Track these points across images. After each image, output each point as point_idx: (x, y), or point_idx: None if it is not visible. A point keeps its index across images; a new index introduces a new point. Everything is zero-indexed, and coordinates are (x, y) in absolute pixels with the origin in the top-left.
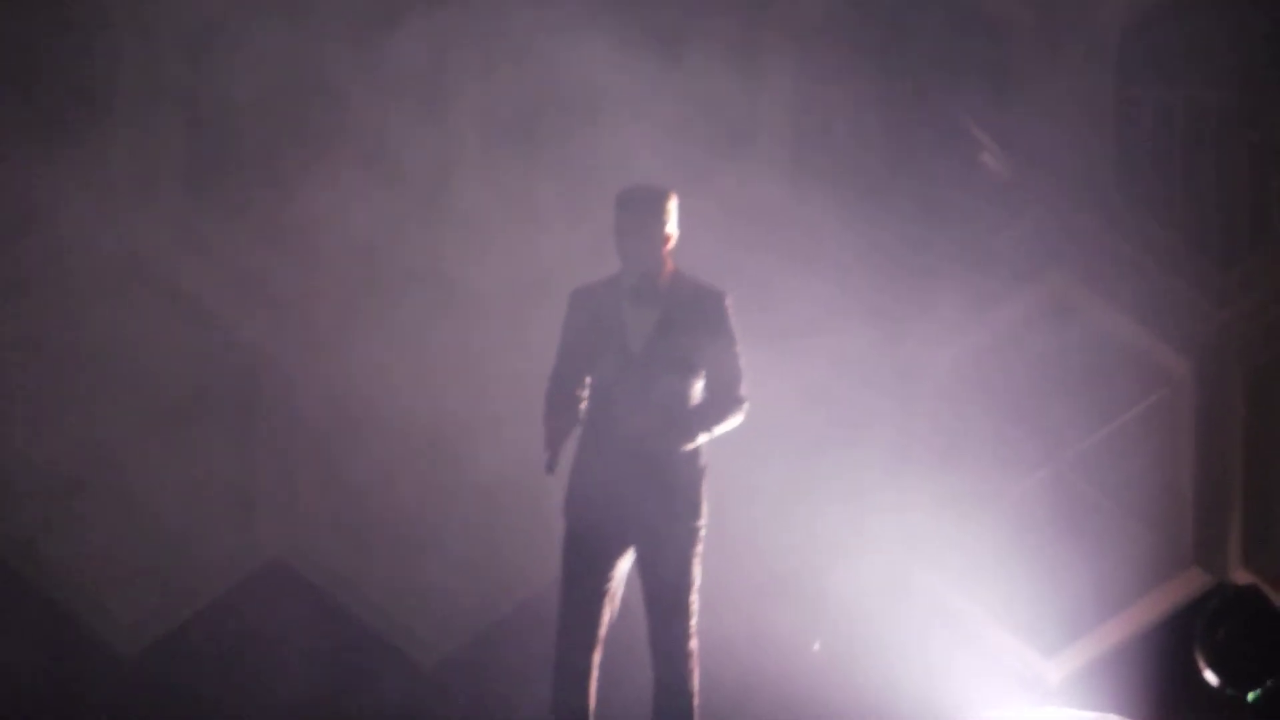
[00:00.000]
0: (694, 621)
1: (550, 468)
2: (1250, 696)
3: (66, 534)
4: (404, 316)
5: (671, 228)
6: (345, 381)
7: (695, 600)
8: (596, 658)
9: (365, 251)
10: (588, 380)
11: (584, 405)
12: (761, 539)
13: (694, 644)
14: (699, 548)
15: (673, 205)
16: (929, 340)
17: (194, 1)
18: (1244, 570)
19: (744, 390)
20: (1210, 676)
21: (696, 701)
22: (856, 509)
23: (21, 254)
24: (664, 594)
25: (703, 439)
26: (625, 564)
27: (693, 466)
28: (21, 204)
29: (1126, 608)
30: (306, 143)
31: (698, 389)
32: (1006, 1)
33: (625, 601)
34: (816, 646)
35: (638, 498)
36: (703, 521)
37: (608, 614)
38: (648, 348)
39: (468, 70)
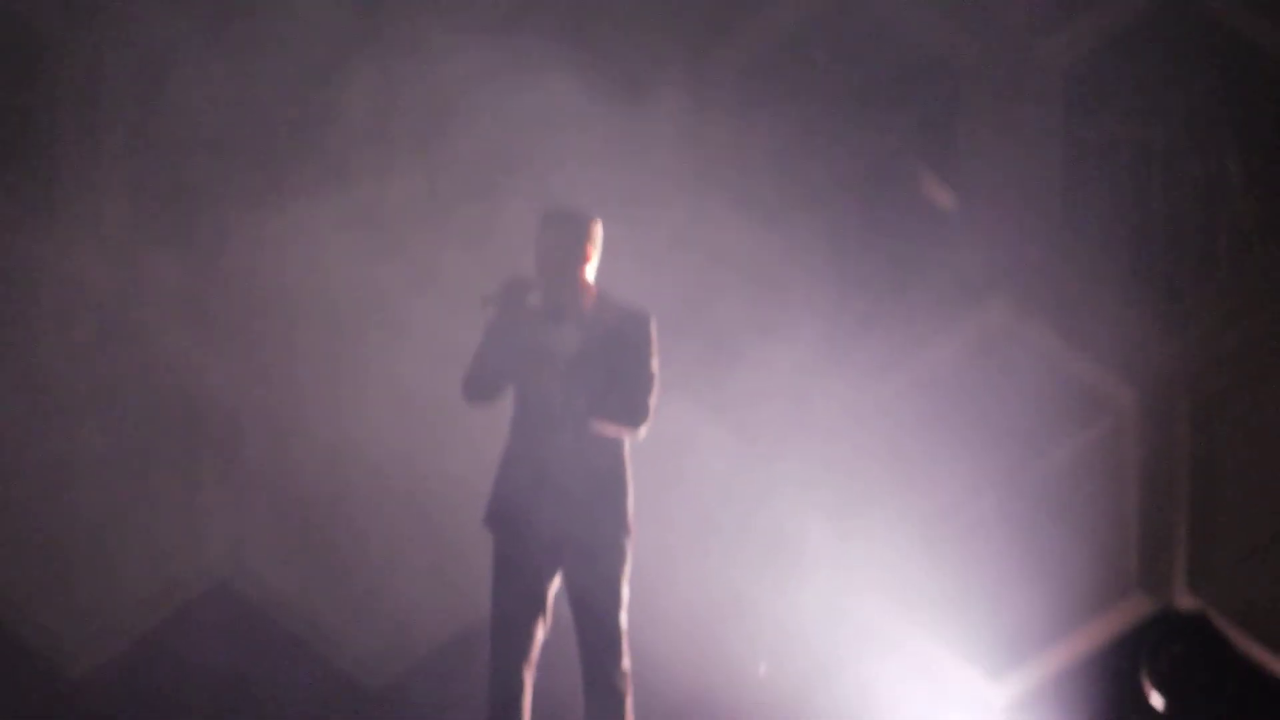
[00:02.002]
0: (624, 642)
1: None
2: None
3: (10, 557)
4: (347, 344)
5: (592, 250)
6: (290, 409)
7: (625, 619)
8: (530, 677)
9: (310, 280)
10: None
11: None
12: (704, 561)
13: (626, 663)
14: (627, 566)
15: (596, 229)
16: (872, 367)
17: (141, 29)
18: (1189, 596)
19: (652, 402)
20: (1156, 701)
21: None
22: (800, 533)
23: None
24: (592, 613)
25: (603, 427)
26: (555, 581)
27: (618, 482)
28: None
29: (1072, 632)
30: (256, 171)
31: None
32: (952, 35)
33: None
34: (762, 669)
35: (563, 515)
36: (631, 538)
37: (540, 632)
38: (571, 369)
39: (417, 104)
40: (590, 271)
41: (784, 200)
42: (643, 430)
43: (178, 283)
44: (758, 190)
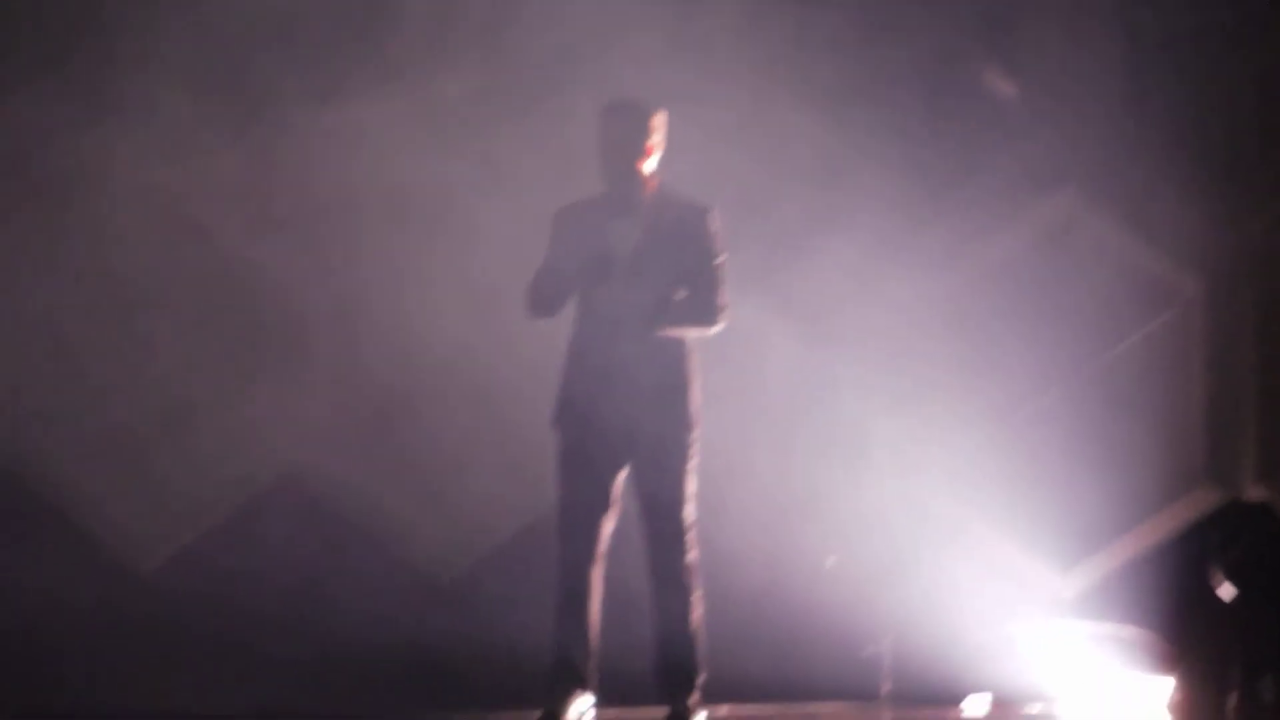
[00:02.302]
0: (691, 534)
1: None
2: None
3: (79, 451)
4: (413, 241)
5: (655, 142)
6: (357, 305)
7: (691, 510)
8: (598, 571)
9: (375, 177)
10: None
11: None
12: (774, 458)
13: (693, 555)
14: (693, 461)
15: (658, 120)
16: (937, 259)
17: None
18: (1257, 486)
19: (724, 300)
20: (1225, 592)
21: (698, 614)
22: (868, 428)
23: (30, 176)
24: (659, 507)
25: (674, 330)
26: (621, 475)
27: (683, 377)
28: (30, 128)
29: (1140, 524)
30: (318, 68)
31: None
32: None
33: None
34: (830, 562)
35: (629, 410)
36: (695, 434)
37: (607, 526)
38: (633, 263)
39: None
40: (652, 164)
41: (847, 91)
42: (718, 328)
43: (242, 180)
44: (820, 81)
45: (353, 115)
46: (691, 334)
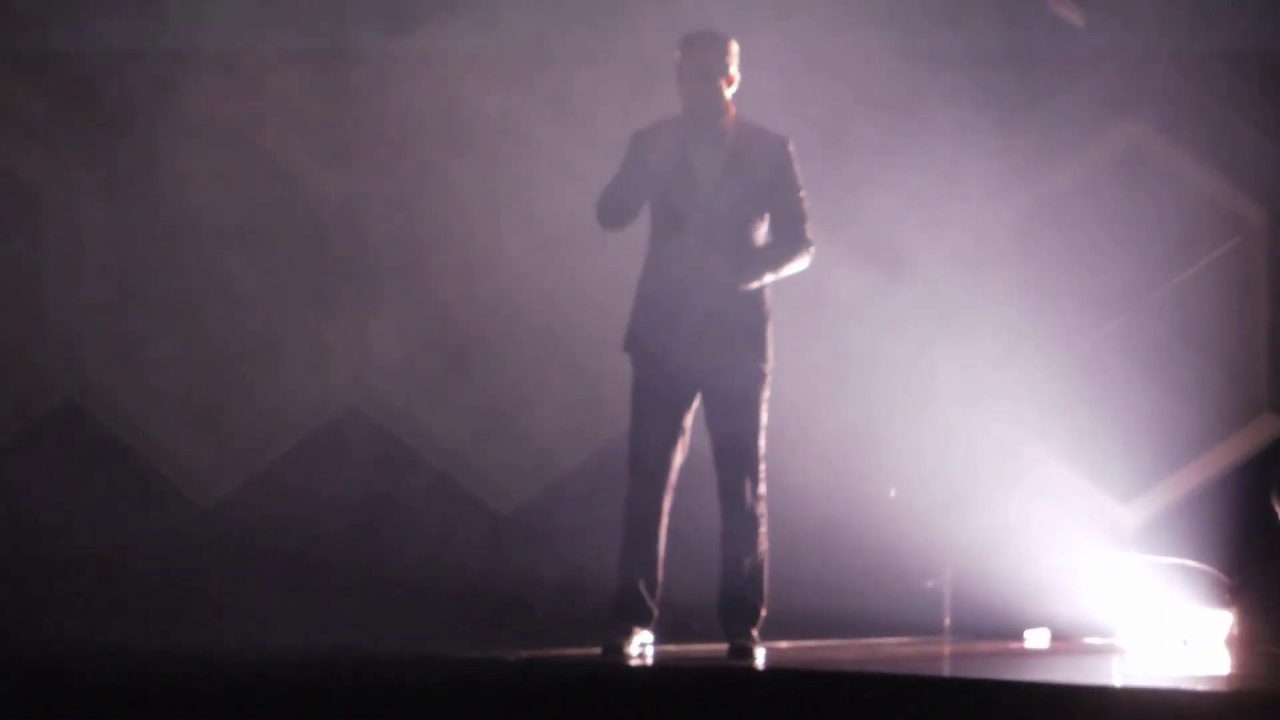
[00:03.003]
0: (762, 466)
1: None
2: None
3: (142, 384)
4: (479, 169)
5: (734, 71)
6: (417, 234)
7: (763, 443)
8: (667, 500)
9: (440, 106)
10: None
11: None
12: (835, 389)
13: (762, 488)
14: (766, 392)
15: (735, 49)
16: (1001, 188)
17: None
18: None
19: (810, 232)
20: None
21: (765, 545)
22: (928, 358)
23: (101, 110)
24: (731, 436)
25: (769, 278)
26: (694, 405)
27: (758, 309)
28: (101, 58)
29: (1202, 454)
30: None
31: (763, 231)
32: None
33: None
34: (893, 493)
35: (704, 339)
36: (769, 365)
37: (678, 456)
38: (715, 187)
39: None
40: (729, 93)
41: (919, 19)
42: (805, 265)
43: (307, 107)
44: (893, 8)
45: (418, 44)
46: (781, 276)
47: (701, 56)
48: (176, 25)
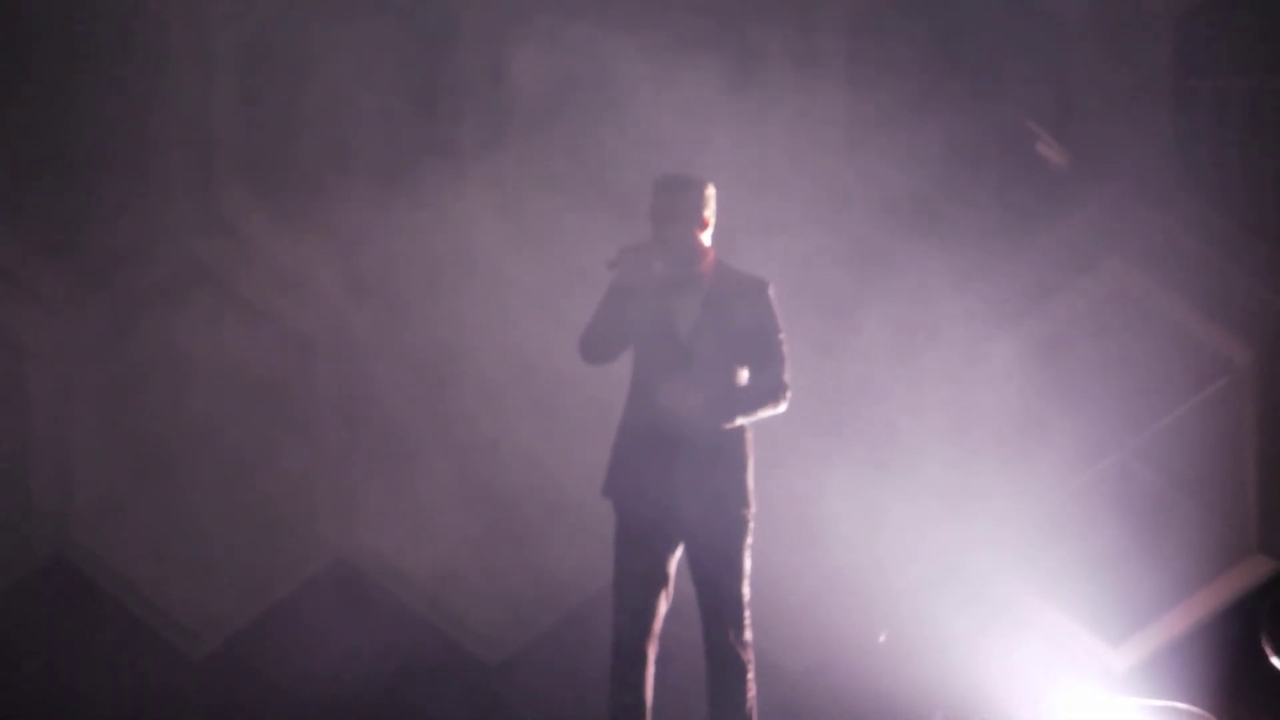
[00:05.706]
0: (747, 613)
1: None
2: None
3: (129, 537)
4: (456, 311)
5: (708, 214)
6: (402, 378)
7: (747, 590)
8: (652, 648)
9: (415, 248)
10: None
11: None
12: (824, 532)
13: (748, 634)
14: (749, 539)
15: (710, 193)
16: (989, 331)
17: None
18: None
19: (788, 377)
20: (1278, 663)
21: (752, 693)
22: (919, 501)
23: (85, 256)
24: (714, 586)
25: (742, 420)
26: (677, 553)
27: (738, 455)
28: (82, 208)
29: (1191, 595)
30: (350, 147)
31: (743, 376)
32: None
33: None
34: (882, 638)
35: (684, 488)
36: (751, 510)
37: (662, 604)
38: (693, 333)
39: (529, 79)
40: (706, 237)
41: (892, 164)
42: (782, 409)
43: (285, 254)
44: (862, 158)
45: (403, 212)
46: (766, 415)
47: (672, 197)
48: (155, 173)
